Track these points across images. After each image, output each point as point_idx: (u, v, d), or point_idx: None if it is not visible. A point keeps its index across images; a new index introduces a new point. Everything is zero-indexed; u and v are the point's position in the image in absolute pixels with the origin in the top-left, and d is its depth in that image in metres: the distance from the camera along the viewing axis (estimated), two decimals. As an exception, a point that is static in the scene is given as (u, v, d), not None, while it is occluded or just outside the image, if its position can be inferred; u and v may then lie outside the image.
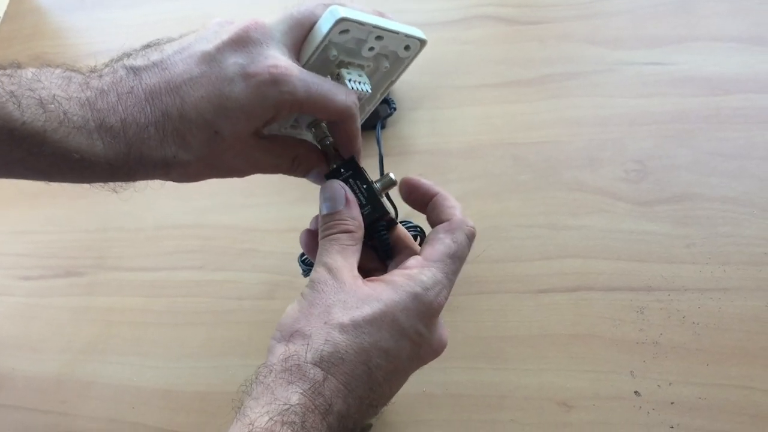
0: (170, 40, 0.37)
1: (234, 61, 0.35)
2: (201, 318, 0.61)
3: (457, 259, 0.36)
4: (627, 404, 0.48)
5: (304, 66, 0.38)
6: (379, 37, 0.39)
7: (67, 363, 0.62)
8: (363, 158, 0.64)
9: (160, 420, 0.57)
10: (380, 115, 0.64)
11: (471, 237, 0.38)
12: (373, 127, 0.64)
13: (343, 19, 0.36)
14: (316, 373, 0.31)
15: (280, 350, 0.33)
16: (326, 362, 0.32)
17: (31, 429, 0.59)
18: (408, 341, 0.34)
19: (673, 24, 0.64)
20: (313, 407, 0.31)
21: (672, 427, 0.47)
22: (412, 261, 0.36)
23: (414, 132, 0.66)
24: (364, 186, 0.39)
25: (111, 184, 0.37)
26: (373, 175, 0.41)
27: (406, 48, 0.42)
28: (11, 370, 0.63)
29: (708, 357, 0.49)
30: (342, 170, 0.39)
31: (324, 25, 0.36)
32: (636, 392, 0.49)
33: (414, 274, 0.35)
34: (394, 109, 0.64)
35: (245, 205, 0.66)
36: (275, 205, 0.66)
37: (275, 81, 0.34)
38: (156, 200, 0.69)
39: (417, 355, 0.35)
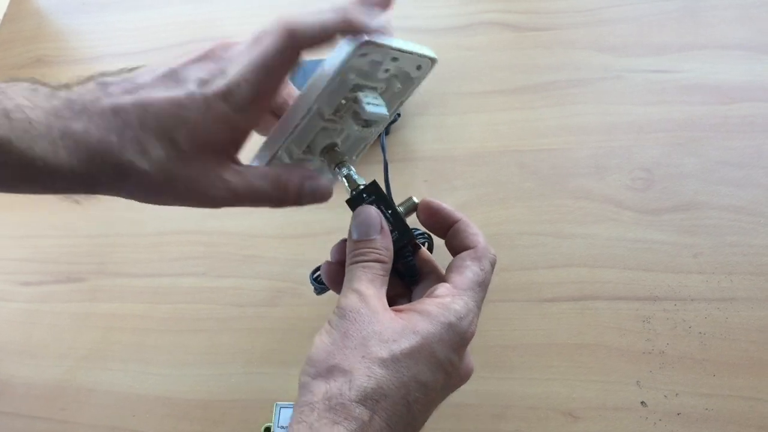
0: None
1: (195, 75, 0.35)
2: (203, 325, 0.60)
3: (485, 287, 0.36)
4: (633, 415, 0.48)
5: (323, 89, 0.37)
6: (394, 59, 0.39)
7: (67, 370, 0.61)
8: (368, 164, 0.64)
9: (162, 428, 0.56)
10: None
11: (494, 265, 0.38)
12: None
13: (367, 43, 0.35)
14: (362, 412, 0.31)
15: (321, 388, 0.32)
16: (371, 400, 0.31)
17: (32, 437, 0.59)
18: (442, 372, 0.33)
19: (679, 31, 0.63)
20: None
21: (679, 439, 0.47)
22: (443, 289, 0.35)
23: (419, 138, 0.65)
24: (389, 211, 0.38)
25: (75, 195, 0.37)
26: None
27: (418, 68, 0.42)
28: (11, 376, 0.62)
29: (715, 367, 0.48)
30: (364, 195, 0.38)
31: (345, 49, 0.36)
32: (642, 402, 0.48)
33: (447, 303, 0.34)
34: (399, 115, 0.64)
35: (248, 211, 0.65)
36: (279, 212, 0.65)
37: (225, 97, 0.34)
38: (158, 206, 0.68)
39: (448, 385, 0.35)
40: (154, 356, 0.60)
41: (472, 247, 0.37)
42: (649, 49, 0.64)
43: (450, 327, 0.34)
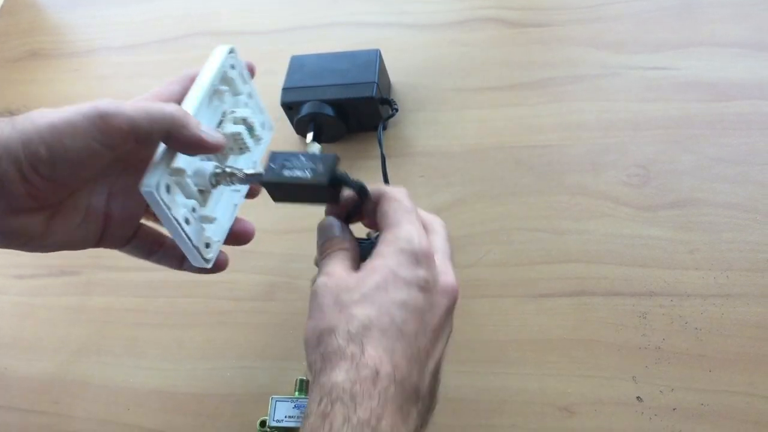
0: None
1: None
2: (198, 319, 0.60)
3: (413, 209, 0.39)
4: (629, 410, 0.48)
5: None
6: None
7: (61, 363, 0.61)
8: (365, 159, 0.64)
9: (156, 422, 0.56)
10: (382, 116, 0.64)
11: (405, 192, 0.40)
12: (374, 128, 0.64)
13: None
14: (353, 349, 0.32)
15: (317, 354, 0.34)
16: (357, 336, 0.33)
17: (25, 430, 0.58)
18: (417, 289, 0.35)
19: (676, 29, 0.64)
20: (359, 378, 0.31)
21: (674, 434, 0.47)
22: (382, 236, 0.38)
23: (415, 134, 0.65)
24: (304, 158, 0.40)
25: None
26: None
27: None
28: (4, 369, 0.62)
29: (710, 363, 0.48)
30: (273, 165, 0.40)
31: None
32: (638, 398, 0.48)
33: (390, 238, 0.37)
34: (396, 110, 0.64)
35: (244, 205, 0.65)
36: (274, 206, 0.64)
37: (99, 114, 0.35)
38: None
39: (435, 303, 0.36)
40: (148, 350, 0.60)
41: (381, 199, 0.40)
42: (646, 46, 0.64)
43: (402, 251, 0.36)
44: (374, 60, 0.63)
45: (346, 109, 0.63)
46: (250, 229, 0.48)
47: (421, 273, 0.35)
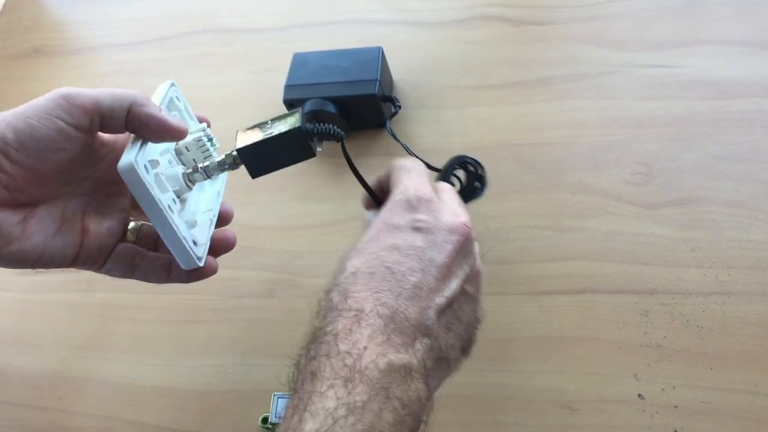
0: None
1: None
2: (201, 316, 0.60)
3: (412, 168, 0.40)
4: (631, 407, 0.48)
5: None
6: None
7: (63, 359, 0.61)
8: (367, 157, 0.64)
9: (158, 418, 0.56)
10: (384, 114, 0.64)
11: (407, 158, 0.42)
12: (377, 126, 0.64)
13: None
14: (338, 298, 0.34)
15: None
16: (343, 285, 0.34)
17: (27, 426, 0.58)
18: (412, 231, 0.36)
19: (678, 27, 0.64)
20: (342, 320, 0.32)
21: (675, 431, 0.47)
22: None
23: (418, 131, 0.65)
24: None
25: None
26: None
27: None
28: (6, 366, 0.62)
29: (712, 361, 0.49)
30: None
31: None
32: (640, 395, 0.48)
33: (390, 198, 0.39)
34: (399, 107, 0.64)
35: (246, 202, 0.65)
36: (276, 203, 0.65)
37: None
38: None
39: (437, 242, 0.36)
40: (151, 347, 0.60)
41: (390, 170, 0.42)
42: (649, 44, 0.64)
43: (396, 202, 0.38)
44: (376, 57, 0.63)
45: (348, 106, 0.63)
46: (231, 238, 0.47)
47: (416, 216, 0.36)
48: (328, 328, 0.32)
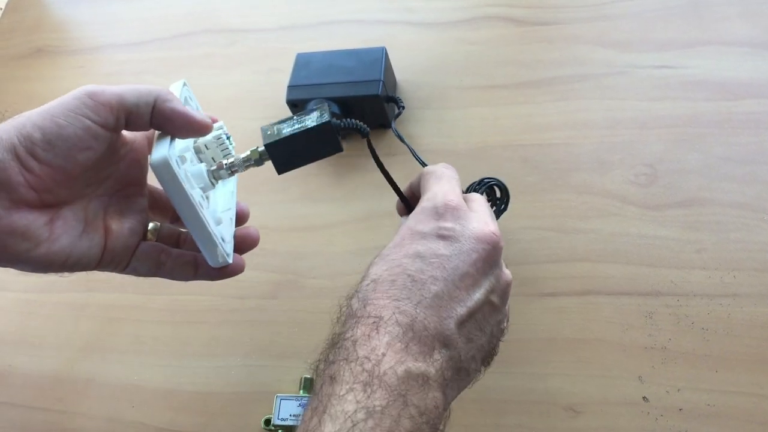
0: None
1: None
2: (202, 317, 0.60)
3: (442, 174, 0.41)
4: (635, 410, 0.48)
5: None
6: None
7: (65, 360, 0.61)
8: (370, 157, 0.64)
9: (160, 419, 0.56)
10: (387, 114, 0.63)
11: (439, 164, 0.43)
12: (380, 126, 0.64)
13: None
14: (358, 305, 0.34)
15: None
16: (363, 292, 0.35)
17: (29, 426, 0.58)
18: (437, 239, 0.36)
19: (683, 27, 0.63)
20: (362, 327, 0.33)
21: (680, 434, 0.46)
22: None
23: (421, 132, 0.65)
24: None
25: None
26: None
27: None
28: (8, 367, 0.62)
29: (717, 363, 0.48)
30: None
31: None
32: (644, 398, 0.48)
33: (419, 204, 0.39)
34: (403, 107, 0.64)
35: (248, 203, 0.65)
36: (279, 204, 0.65)
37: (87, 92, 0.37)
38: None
39: (462, 250, 0.35)
40: (152, 348, 0.60)
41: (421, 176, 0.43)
42: (653, 44, 0.63)
43: (423, 209, 0.38)
44: (380, 58, 0.63)
45: (351, 106, 0.63)
46: (255, 235, 0.47)
47: (442, 223, 0.36)
48: (348, 334, 0.33)
